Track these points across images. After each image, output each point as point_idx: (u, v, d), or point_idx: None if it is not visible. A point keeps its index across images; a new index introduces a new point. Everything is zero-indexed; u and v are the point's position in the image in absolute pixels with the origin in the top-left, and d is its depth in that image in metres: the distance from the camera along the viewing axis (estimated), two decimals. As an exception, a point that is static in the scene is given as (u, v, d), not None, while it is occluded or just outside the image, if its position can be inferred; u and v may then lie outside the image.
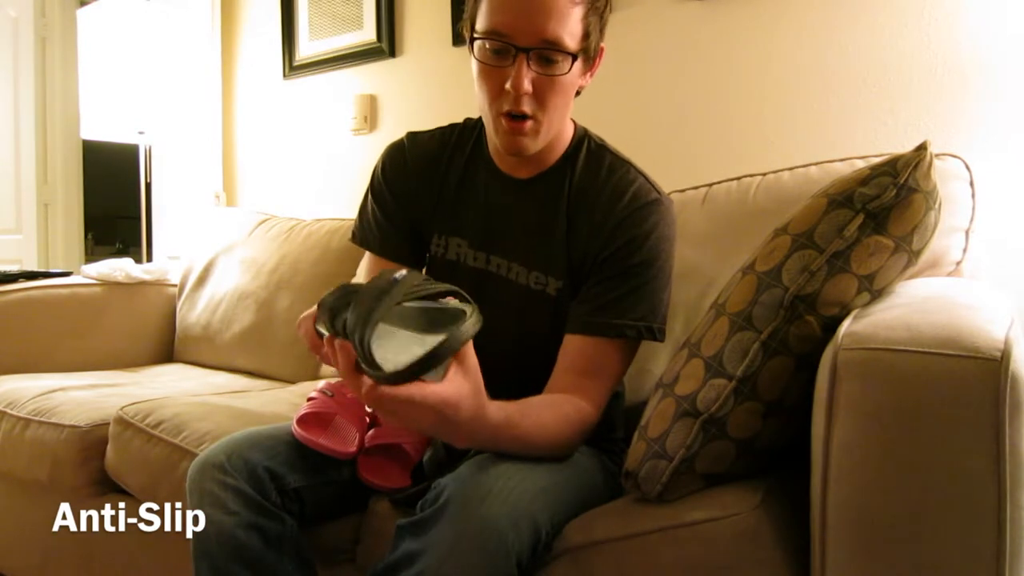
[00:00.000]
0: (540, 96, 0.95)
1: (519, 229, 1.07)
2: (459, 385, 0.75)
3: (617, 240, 1.00)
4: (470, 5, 0.98)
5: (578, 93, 1.03)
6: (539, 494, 0.86)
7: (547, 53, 0.93)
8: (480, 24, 0.94)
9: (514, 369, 0.96)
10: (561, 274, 1.04)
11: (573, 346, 1.00)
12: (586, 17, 0.94)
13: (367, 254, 1.17)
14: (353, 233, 1.17)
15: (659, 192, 1.03)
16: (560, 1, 0.91)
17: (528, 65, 0.92)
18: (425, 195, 1.10)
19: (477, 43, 0.95)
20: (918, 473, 0.68)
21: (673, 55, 1.73)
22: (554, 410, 0.93)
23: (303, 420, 1.04)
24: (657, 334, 1.00)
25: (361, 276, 1.17)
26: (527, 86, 0.93)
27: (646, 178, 1.05)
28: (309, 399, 1.09)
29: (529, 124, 0.96)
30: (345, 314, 0.74)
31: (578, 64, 0.96)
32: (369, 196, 1.15)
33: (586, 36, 0.95)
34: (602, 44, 1.00)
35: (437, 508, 0.81)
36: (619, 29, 1.80)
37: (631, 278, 0.99)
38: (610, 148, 1.09)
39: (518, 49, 0.92)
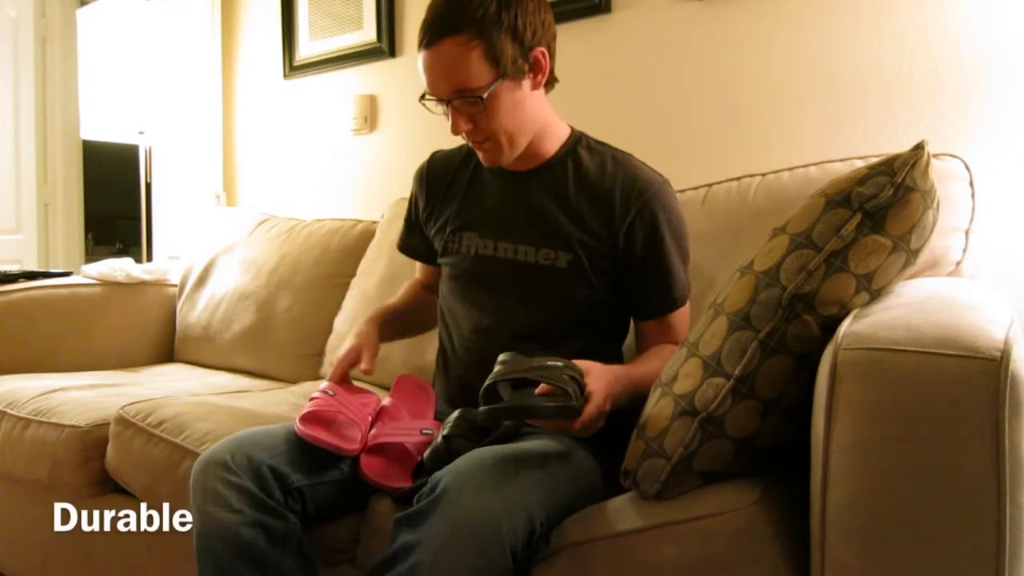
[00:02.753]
0: (482, 125, 1.08)
1: (523, 214, 1.16)
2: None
3: (641, 231, 1.11)
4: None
5: (549, 87, 1.13)
6: (533, 486, 0.88)
7: (463, 97, 1.05)
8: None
9: (527, 344, 1.06)
10: (570, 249, 1.13)
11: (647, 328, 1.17)
12: (486, 53, 1.02)
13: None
14: (398, 245, 1.40)
15: (660, 175, 1.15)
16: (450, 58, 1.02)
17: (458, 109, 1.06)
18: (444, 201, 1.26)
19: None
20: (918, 473, 0.68)
21: (673, 55, 1.73)
22: (662, 353, 1.09)
23: (306, 418, 1.05)
24: (689, 292, 1.16)
25: (416, 274, 1.43)
26: (463, 125, 1.08)
27: (647, 167, 1.16)
28: (311, 399, 1.10)
29: (488, 144, 1.11)
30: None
31: (505, 84, 1.05)
32: (407, 211, 1.35)
33: (497, 62, 1.03)
34: (540, 48, 1.08)
35: (432, 499, 0.83)
36: (619, 29, 1.80)
37: (666, 259, 1.12)
38: (610, 145, 1.19)
39: (443, 101, 1.07)
